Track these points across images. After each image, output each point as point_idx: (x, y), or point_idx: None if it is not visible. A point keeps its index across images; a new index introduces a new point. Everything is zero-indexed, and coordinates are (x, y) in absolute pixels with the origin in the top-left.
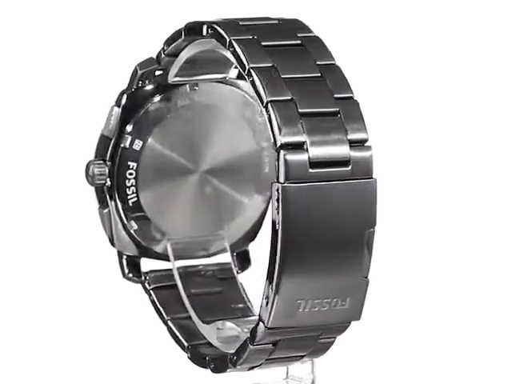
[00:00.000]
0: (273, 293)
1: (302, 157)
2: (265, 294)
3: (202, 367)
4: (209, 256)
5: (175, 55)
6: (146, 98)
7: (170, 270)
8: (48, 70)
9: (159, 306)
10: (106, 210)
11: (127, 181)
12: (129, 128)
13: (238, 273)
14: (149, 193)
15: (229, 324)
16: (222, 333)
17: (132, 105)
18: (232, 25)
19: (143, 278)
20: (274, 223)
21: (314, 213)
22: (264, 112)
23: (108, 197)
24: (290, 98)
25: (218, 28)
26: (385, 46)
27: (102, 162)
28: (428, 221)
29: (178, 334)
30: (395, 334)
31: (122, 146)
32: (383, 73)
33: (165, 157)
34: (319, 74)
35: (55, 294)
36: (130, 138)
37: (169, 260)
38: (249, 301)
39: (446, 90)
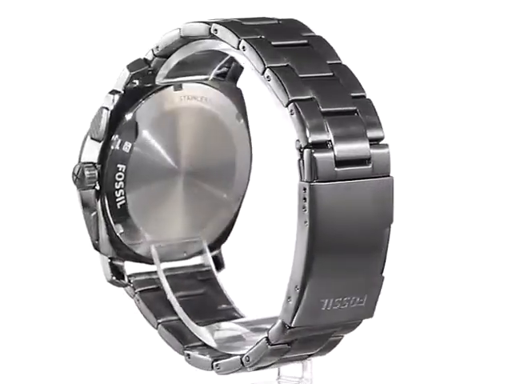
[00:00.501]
0: (298, 292)
1: (328, 155)
2: (288, 293)
3: (204, 369)
4: (188, 258)
5: (166, 56)
6: (135, 99)
7: (152, 272)
8: (30, 72)
9: (148, 310)
10: (93, 214)
11: (116, 183)
12: (118, 130)
13: None
14: (135, 195)
15: (225, 324)
16: (221, 333)
17: (121, 107)
18: (237, 25)
19: (127, 281)
20: (300, 222)
21: (339, 211)
22: (286, 111)
23: (96, 200)
24: (310, 97)
25: (227, 28)
26: (378, 45)
27: (91, 164)
28: (431, 219)
29: (172, 337)
30: (390, 333)
31: (111, 148)
32: (380, 72)
33: (151, 159)
34: (332, 73)
35: (36, 301)
36: (119, 141)
37: (151, 263)
38: (232, 302)
39: (446, 88)
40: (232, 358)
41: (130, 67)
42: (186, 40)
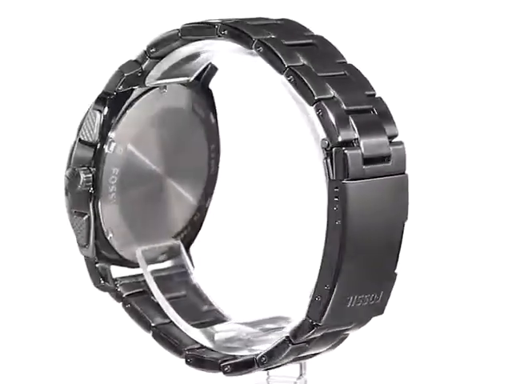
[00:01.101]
0: (328, 291)
1: (357, 153)
2: (316, 292)
3: (209, 370)
4: (168, 259)
5: (160, 58)
6: (128, 102)
7: (138, 275)
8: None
9: (142, 313)
10: (85, 218)
11: (109, 187)
12: (112, 133)
13: None
14: (126, 199)
15: (222, 326)
16: (221, 335)
17: (114, 109)
18: (244, 25)
19: (114, 285)
20: (330, 222)
21: (366, 209)
22: (312, 110)
23: (88, 204)
24: (332, 95)
25: (236, 28)
26: (371, 45)
27: (86, 168)
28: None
29: (170, 340)
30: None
31: (106, 151)
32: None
33: (139, 162)
34: (344, 72)
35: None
36: (114, 144)
37: (135, 266)
38: (213, 302)
39: (446, 87)
40: (243, 359)
41: (124, 69)
42: (185, 41)
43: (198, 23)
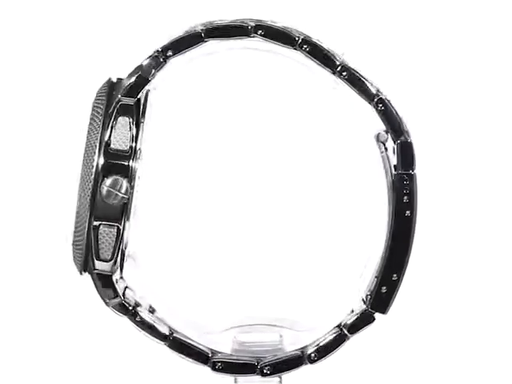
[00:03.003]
0: (396, 281)
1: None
2: (381, 283)
3: (243, 375)
4: None
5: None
6: (143, 108)
7: None
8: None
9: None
10: (114, 230)
11: (135, 198)
12: (139, 141)
13: None
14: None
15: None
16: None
17: (140, 116)
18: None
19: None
20: (399, 214)
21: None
22: (374, 105)
23: (123, 215)
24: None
25: (275, 27)
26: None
27: (125, 177)
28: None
29: (191, 347)
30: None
31: (136, 159)
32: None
33: None
34: None
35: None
36: (139, 152)
37: None
38: None
39: (446, 87)
40: (286, 358)
41: (146, 73)
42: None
43: (234, 23)
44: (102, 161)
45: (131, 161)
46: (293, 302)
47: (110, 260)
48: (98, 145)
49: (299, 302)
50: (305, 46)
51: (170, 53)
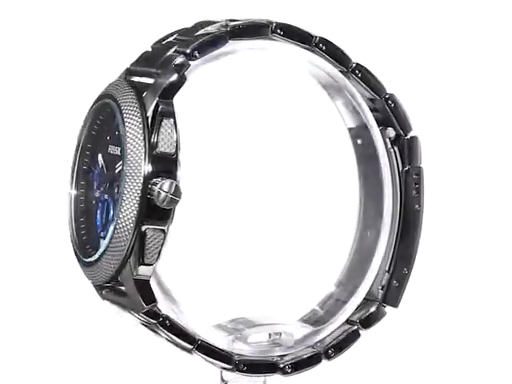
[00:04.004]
0: (406, 275)
1: None
2: (394, 277)
3: (265, 374)
4: None
5: None
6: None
7: None
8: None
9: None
10: (163, 234)
11: None
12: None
13: None
14: None
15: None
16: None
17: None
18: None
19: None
20: (411, 209)
21: None
22: (384, 102)
23: (170, 218)
24: None
25: (294, 26)
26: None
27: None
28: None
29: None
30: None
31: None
32: None
33: None
34: None
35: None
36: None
37: None
38: None
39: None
40: (306, 356)
41: (181, 74)
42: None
43: (257, 22)
44: (150, 166)
45: (177, 164)
46: (298, 298)
47: (153, 264)
48: (145, 148)
49: (304, 297)
50: (321, 45)
51: (196, 53)
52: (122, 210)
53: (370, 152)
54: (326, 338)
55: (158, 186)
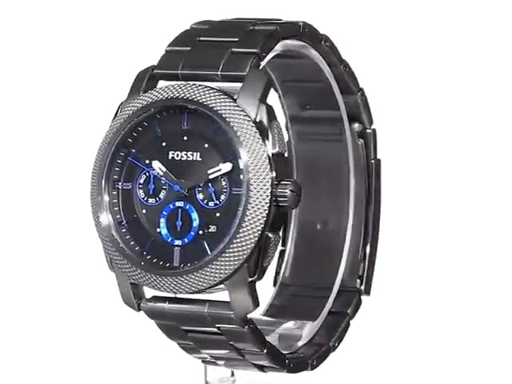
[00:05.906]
0: (374, 261)
1: None
2: (370, 268)
3: (302, 370)
4: None
5: None
6: None
7: None
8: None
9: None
10: (276, 238)
11: None
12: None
13: None
14: None
15: None
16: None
17: None
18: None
19: None
20: (373, 199)
21: None
22: (360, 96)
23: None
24: None
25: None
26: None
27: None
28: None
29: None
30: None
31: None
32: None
33: None
34: None
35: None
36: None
37: None
38: None
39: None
40: (322, 350)
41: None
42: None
43: (290, 22)
44: (273, 169)
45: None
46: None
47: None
48: (267, 152)
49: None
50: (327, 43)
51: (264, 54)
52: (248, 214)
53: None
54: None
55: (287, 187)
